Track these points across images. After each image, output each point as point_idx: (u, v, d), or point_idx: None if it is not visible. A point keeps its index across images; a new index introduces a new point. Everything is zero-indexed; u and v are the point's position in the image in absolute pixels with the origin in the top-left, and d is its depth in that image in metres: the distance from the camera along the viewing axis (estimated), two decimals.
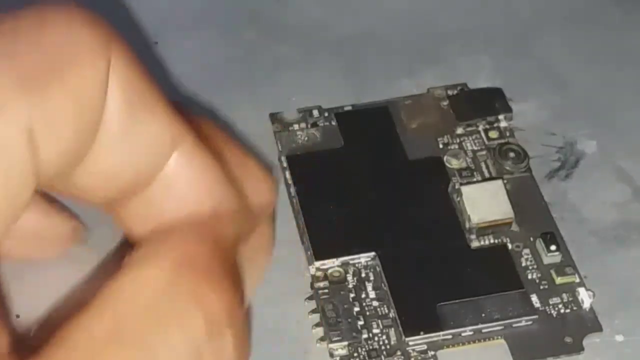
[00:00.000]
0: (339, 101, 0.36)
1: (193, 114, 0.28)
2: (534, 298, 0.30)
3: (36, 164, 0.21)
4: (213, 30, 0.39)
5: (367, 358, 0.29)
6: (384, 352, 0.29)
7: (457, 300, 0.30)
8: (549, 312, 0.30)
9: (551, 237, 0.31)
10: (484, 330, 0.29)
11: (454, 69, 0.37)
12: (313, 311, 0.30)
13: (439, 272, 0.30)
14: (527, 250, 0.31)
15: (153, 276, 0.22)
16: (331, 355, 0.29)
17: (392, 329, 0.30)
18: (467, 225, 0.31)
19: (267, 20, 0.39)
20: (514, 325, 0.29)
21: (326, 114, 0.35)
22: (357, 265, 0.31)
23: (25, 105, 0.21)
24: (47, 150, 0.21)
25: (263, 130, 0.35)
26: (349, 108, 0.35)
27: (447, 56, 0.38)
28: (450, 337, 0.29)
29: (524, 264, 0.31)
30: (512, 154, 0.33)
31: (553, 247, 0.31)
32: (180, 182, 0.24)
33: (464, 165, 0.33)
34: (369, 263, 0.31)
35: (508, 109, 0.35)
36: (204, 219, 0.24)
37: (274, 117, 0.35)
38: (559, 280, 0.30)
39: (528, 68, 0.37)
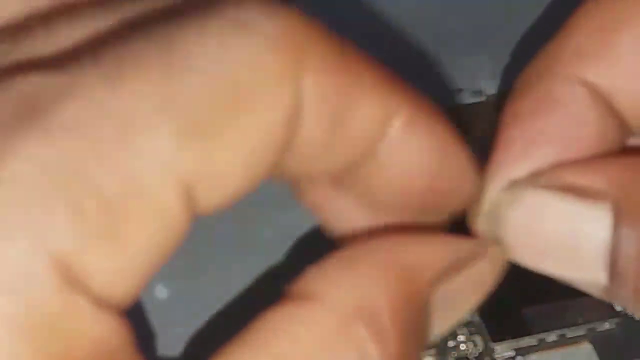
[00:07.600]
0: None
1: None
2: None
3: (191, 211, 0.17)
4: None
5: None
6: None
7: (541, 305, 0.29)
8: (630, 315, 0.29)
9: None
10: (568, 335, 0.29)
11: (454, 69, 0.37)
12: None
13: (522, 276, 0.28)
14: None
15: (321, 322, 0.19)
16: None
17: (478, 335, 0.29)
18: None
19: None
20: (598, 329, 0.29)
21: None
22: None
23: (183, 159, 0.17)
24: (209, 199, 0.17)
25: None
26: None
27: (447, 56, 0.38)
28: (535, 342, 0.28)
29: None
30: None
31: None
32: (397, 160, 0.21)
33: None
34: None
35: None
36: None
37: None
38: None
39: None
